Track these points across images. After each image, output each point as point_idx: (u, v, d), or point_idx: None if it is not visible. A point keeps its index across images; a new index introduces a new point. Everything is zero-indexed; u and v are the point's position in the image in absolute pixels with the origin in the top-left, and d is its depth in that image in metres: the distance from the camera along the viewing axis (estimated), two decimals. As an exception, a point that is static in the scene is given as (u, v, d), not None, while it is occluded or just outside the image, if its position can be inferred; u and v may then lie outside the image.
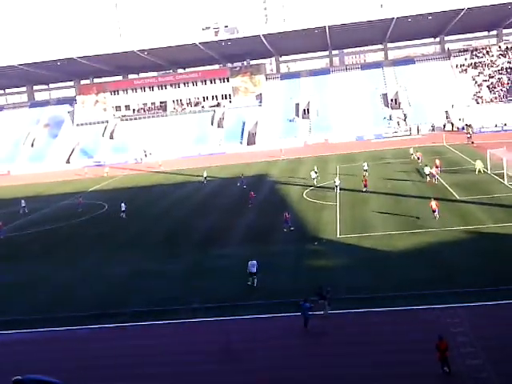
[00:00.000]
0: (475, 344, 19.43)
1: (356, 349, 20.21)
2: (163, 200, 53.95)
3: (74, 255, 37.64)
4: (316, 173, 54.90)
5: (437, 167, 52.55)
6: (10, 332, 25.32)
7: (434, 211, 36.66)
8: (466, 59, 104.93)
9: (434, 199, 38.32)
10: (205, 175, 63.42)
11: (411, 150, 64.30)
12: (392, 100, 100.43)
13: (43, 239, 43.76)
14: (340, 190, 48.12)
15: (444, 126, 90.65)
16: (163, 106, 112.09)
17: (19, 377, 6.47)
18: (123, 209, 48.62)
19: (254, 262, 28.03)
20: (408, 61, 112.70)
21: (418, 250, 30.51)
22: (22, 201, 57.13)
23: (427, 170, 50.14)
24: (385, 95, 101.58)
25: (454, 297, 23.72)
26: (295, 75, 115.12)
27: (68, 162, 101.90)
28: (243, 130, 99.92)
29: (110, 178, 78.36)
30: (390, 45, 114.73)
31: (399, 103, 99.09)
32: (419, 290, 24.69)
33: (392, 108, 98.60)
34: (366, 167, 55.53)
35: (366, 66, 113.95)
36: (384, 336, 20.97)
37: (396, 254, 30.17)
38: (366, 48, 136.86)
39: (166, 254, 35.57)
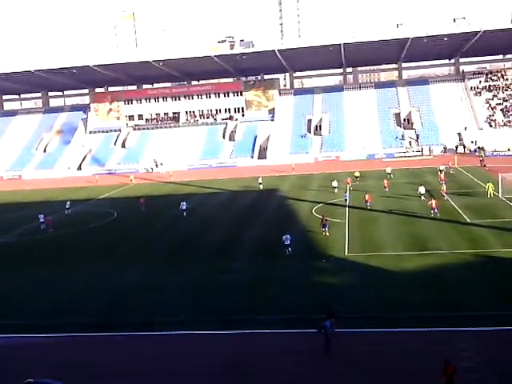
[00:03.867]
0: (481, 369, 19.18)
1: (360, 368, 20.00)
2: (173, 209, 53.95)
3: (82, 263, 37.60)
4: (338, 182, 59.43)
5: (441, 180, 55.59)
6: (17, 336, 25.29)
7: (433, 209, 42.97)
8: (480, 82, 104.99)
9: (434, 199, 45.01)
10: (260, 181, 66.96)
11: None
12: (405, 120, 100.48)
13: (52, 245, 43.84)
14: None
15: (456, 147, 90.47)
16: (176, 117, 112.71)
17: (31, 380, 6.42)
18: (184, 208, 51.10)
19: (288, 236, 35.25)
20: (422, 81, 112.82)
21: (425, 271, 30.25)
22: (68, 202, 58.78)
23: (422, 190, 50.67)
24: (397, 115, 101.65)
25: (460, 320, 23.43)
26: (308, 91, 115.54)
27: (79, 168, 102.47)
28: (254, 143, 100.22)
29: (136, 184, 79.96)
30: (404, 64, 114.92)
31: (412, 123, 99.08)
32: (426, 312, 24.46)
33: (404, 128, 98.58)
34: (389, 170, 64.94)
35: (379, 85, 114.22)
36: (389, 357, 20.74)
37: (404, 275, 29.92)
38: (380, 67, 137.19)
39: (173, 264, 35.49)
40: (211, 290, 29.82)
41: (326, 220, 40.06)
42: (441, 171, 62.44)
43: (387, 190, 56.00)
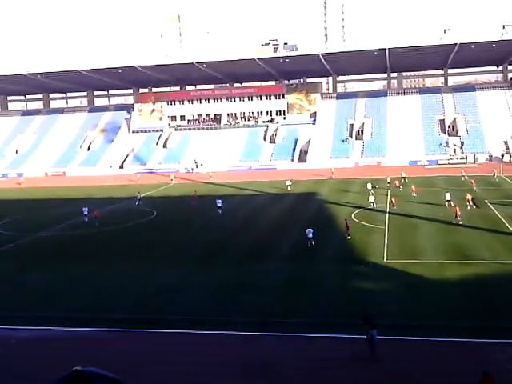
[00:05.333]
0: (523, 384, 18.49)
1: (395, 377, 19.54)
2: (211, 209, 54.12)
3: (118, 260, 37.97)
4: (372, 186, 59.81)
5: (473, 185, 57.56)
6: (53, 328, 25.67)
7: (456, 216, 42.90)
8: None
9: (458, 207, 44.84)
10: (287, 183, 67.68)
11: None
12: (449, 126, 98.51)
13: (90, 241, 44.47)
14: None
15: (502, 156, 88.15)
16: (217, 119, 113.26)
17: (79, 367, 6.49)
18: (219, 205, 52.56)
19: (311, 229, 37.26)
20: (468, 88, 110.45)
21: (466, 281, 29.42)
22: (138, 193, 62.16)
23: (448, 196, 50.25)
24: (442, 121, 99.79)
25: (501, 332, 22.67)
26: (351, 96, 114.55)
27: (121, 167, 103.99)
28: (295, 146, 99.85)
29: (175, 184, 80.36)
30: (450, 70, 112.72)
31: (457, 130, 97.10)
32: (465, 323, 23.74)
33: (449, 135, 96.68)
34: (403, 175, 67.10)
35: (424, 91, 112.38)
36: (427, 366, 20.20)
37: (443, 284, 29.15)
38: (425, 72, 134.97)
39: (206, 265, 35.46)
40: (244, 290, 29.60)
41: (349, 224, 41.07)
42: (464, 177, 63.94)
43: (415, 194, 56.15)
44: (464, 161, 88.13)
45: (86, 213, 51.84)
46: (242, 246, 39.64)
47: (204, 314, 26.31)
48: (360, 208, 51.83)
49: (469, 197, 49.43)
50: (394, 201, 51.10)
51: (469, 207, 47.97)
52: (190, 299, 28.60)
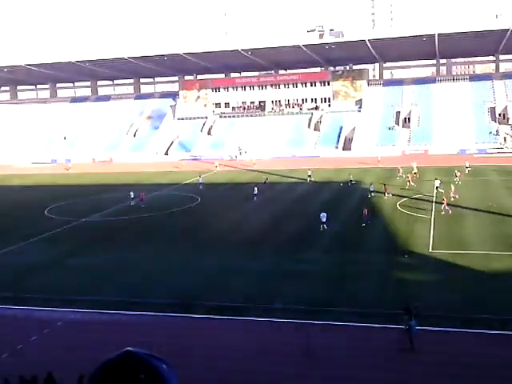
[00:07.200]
0: None
1: (437, 370, 19.14)
2: (251, 200, 54.11)
3: (163, 245, 38.44)
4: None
5: (457, 177, 57.43)
6: (100, 311, 26.19)
7: (444, 205, 42.94)
8: None
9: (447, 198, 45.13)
10: (309, 173, 65.91)
11: None
12: (500, 114, 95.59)
13: (135, 227, 45.14)
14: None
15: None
16: (262, 106, 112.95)
17: (130, 348, 6.74)
18: (255, 192, 53.47)
19: (324, 213, 39.45)
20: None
21: (515, 273, 28.61)
22: (200, 178, 64.68)
23: (437, 183, 51.48)
24: (493, 109, 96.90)
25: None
26: (398, 82, 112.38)
27: (166, 153, 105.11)
28: (340, 134, 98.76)
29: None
30: (502, 57, 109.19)
31: (508, 118, 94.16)
32: (511, 315, 23.07)
33: (500, 123, 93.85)
34: (400, 169, 65.40)
35: (474, 78, 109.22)
36: (471, 358, 19.76)
37: (491, 276, 28.42)
38: (476, 59, 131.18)
39: (248, 252, 35.52)
40: (286, 278, 29.60)
41: (368, 211, 41.49)
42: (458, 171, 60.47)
43: (413, 183, 56.26)
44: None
45: (132, 196, 54.00)
46: (285, 235, 39.52)
47: (246, 301, 26.36)
48: (405, 197, 50.91)
49: (452, 188, 48.69)
50: (387, 188, 52.18)
51: (453, 198, 46.69)
52: (232, 286, 28.76)
